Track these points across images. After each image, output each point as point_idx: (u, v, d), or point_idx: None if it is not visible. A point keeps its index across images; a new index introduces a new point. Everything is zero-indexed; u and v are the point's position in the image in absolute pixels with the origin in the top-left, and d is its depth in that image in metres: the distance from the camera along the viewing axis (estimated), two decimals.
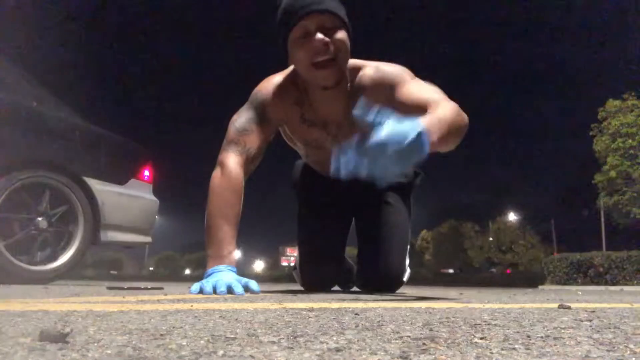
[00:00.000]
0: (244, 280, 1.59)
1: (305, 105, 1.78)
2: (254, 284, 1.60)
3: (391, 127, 1.08)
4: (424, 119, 1.19)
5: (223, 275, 1.55)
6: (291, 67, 1.79)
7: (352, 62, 1.72)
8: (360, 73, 1.71)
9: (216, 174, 1.72)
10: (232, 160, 1.71)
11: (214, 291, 1.48)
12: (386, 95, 1.63)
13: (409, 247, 2.21)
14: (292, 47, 1.60)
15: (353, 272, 2.38)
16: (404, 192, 2.20)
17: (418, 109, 1.41)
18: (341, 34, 1.57)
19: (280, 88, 1.77)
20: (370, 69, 1.71)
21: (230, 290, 1.48)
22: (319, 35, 1.53)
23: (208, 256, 1.63)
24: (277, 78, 1.81)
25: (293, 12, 1.55)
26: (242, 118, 1.78)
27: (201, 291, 1.51)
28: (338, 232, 2.22)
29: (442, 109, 1.35)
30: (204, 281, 1.55)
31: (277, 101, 1.76)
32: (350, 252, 2.33)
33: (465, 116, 1.42)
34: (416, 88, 1.59)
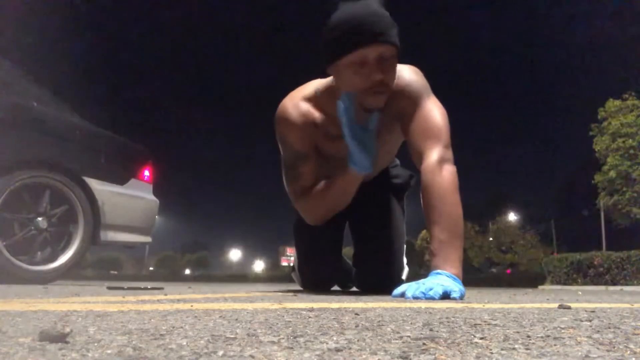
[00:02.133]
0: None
1: (327, 123, 1.72)
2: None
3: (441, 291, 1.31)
4: (454, 265, 1.47)
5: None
6: (311, 84, 1.75)
7: None
8: None
9: (298, 199, 1.85)
10: (300, 191, 1.82)
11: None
12: (403, 107, 1.66)
13: (405, 246, 2.22)
14: (345, 69, 1.52)
15: (351, 272, 2.38)
16: (398, 192, 2.22)
17: (415, 150, 1.63)
18: (394, 65, 1.54)
19: (294, 116, 1.72)
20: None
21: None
22: (378, 75, 1.48)
23: (338, 184, 1.74)
24: (287, 105, 1.75)
25: (352, 34, 1.46)
26: (286, 167, 1.82)
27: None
28: (334, 233, 2.22)
29: (448, 212, 1.53)
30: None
31: (296, 131, 1.73)
32: (346, 252, 2.33)
33: (449, 175, 1.56)
34: (429, 118, 1.64)
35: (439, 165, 1.55)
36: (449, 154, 1.60)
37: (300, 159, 1.77)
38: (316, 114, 1.72)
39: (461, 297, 1.34)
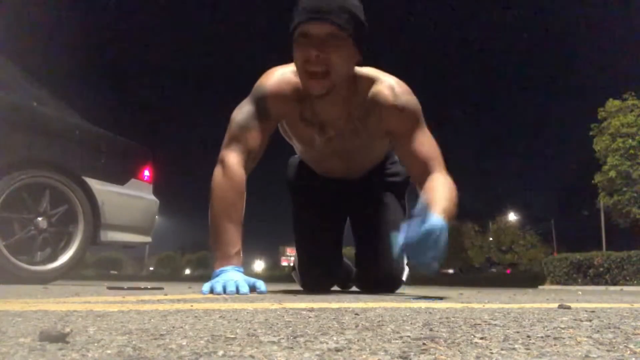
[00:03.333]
0: (252, 280, 1.60)
1: (306, 103, 1.75)
2: (261, 284, 1.61)
3: (424, 230, 1.30)
4: (443, 210, 1.42)
5: (231, 275, 1.55)
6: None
7: (366, 70, 1.72)
8: (375, 88, 1.68)
9: (217, 172, 1.70)
10: (233, 159, 1.69)
11: (224, 291, 1.49)
12: (400, 126, 1.70)
13: None
14: (294, 44, 1.58)
15: (351, 272, 2.38)
16: (398, 191, 2.21)
17: (419, 163, 1.68)
18: (341, 50, 1.54)
19: (283, 82, 1.72)
20: (385, 87, 1.68)
21: (238, 289, 1.49)
22: (314, 51, 1.51)
23: (215, 257, 1.63)
24: (280, 71, 1.76)
25: (303, 10, 1.53)
26: (243, 113, 1.74)
27: (212, 291, 1.51)
28: (335, 233, 2.22)
29: (448, 188, 1.58)
30: (213, 281, 1.56)
31: (278, 95, 1.72)
32: (347, 252, 2.32)
33: (455, 189, 1.63)
34: (425, 141, 1.70)
35: (445, 177, 1.65)
36: (445, 171, 1.70)
37: (263, 116, 1.72)
38: (299, 89, 1.71)
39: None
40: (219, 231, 1.63)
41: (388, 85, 1.69)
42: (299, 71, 1.60)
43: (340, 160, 1.95)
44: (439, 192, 1.55)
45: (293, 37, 1.58)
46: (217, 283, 1.52)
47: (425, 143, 1.70)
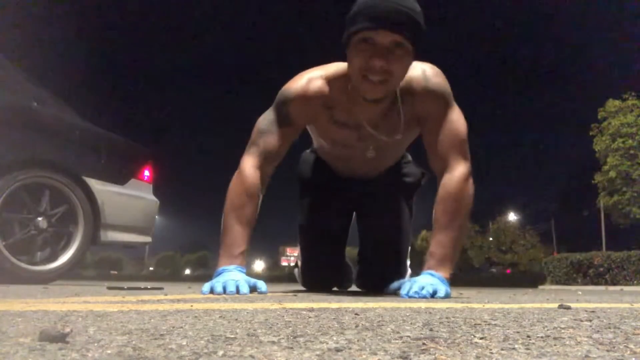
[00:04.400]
0: (253, 280, 1.60)
1: (336, 108, 1.70)
2: (262, 285, 1.61)
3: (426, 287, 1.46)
4: (445, 269, 1.56)
5: (232, 275, 1.55)
6: (333, 65, 1.72)
7: None
8: (409, 75, 1.62)
9: (234, 177, 1.72)
10: (249, 163, 1.71)
11: (224, 291, 1.49)
12: (428, 110, 1.67)
13: (409, 248, 2.21)
14: (353, 48, 1.52)
15: (351, 272, 2.38)
16: (408, 192, 2.18)
17: (438, 157, 1.68)
18: (403, 60, 1.50)
19: (309, 88, 1.68)
20: (418, 72, 1.65)
21: (238, 290, 1.49)
22: (379, 62, 1.46)
23: (219, 255, 1.64)
24: (308, 75, 1.71)
25: (368, 14, 1.44)
26: (265, 120, 1.73)
27: (212, 291, 1.51)
28: (339, 235, 2.22)
29: (463, 218, 1.63)
30: (214, 281, 1.56)
31: (302, 102, 1.68)
32: (350, 252, 2.32)
33: (471, 190, 1.66)
34: (452, 128, 1.67)
35: (465, 181, 1.65)
36: (470, 167, 1.68)
37: (285, 122, 1.70)
38: (328, 95, 1.68)
39: (446, 296, 1.48)
40: (226, 232, 1.64)
41: (420, 69, 1.66)
42: (355, 75, 1.54)
43: (369, 159, 1.88)
44: (447, 231, 1.60)
45: (351, 40, 1.51)
46: (218, 283, 1.52)
47: (453, 131, 1.67)
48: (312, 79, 1.69)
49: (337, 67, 1.70)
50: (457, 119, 1.69)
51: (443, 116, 1.67)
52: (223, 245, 1.63)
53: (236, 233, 1.63)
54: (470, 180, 1.66)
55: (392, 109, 1.69)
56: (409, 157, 2.19)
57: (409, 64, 1.55)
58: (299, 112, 1.70)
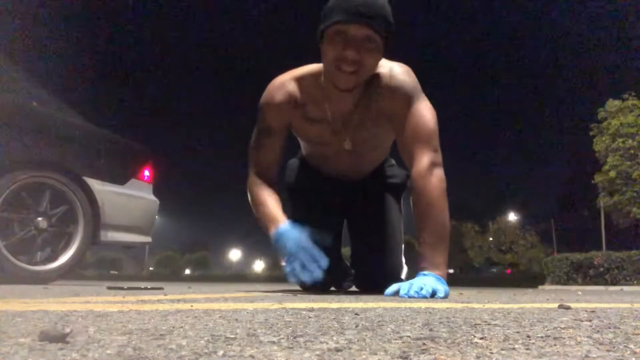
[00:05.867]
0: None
1: (308, 105, 1.78)
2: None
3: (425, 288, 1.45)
4: (440, 267, 1.56)
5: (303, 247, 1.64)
6: (304, 67, 1.81)
7: None
8: (378, 71, 1.71)
9: (250, 179, 1.86)
10: (253, 179, 1.85)
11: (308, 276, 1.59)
12: (394, 107, 1.71)
13: (403, 245, 2.22)
14: (326, 42, 1.59)
15: (348, 272, 2.38)
16: (395, 192, 2.23)
17: (406, 153, 1.71)
18: (374, 53, 1.58)
19: (276, 94, 1.78)
20: (386, 70, 1.72)
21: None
22: (351, 53, 1.54)
23: (266, 227, 1.75)
24: (275, 82, 1.81)
25: (340, 9, 1.54)
26: (253, 135, 1.86)
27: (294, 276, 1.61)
28: (334, 234, 2.22)
29: (438, 211, 1.61)
30: (290, 258, 1.65)
31: (273, 109, 1.79)
32: (344, 252, 2.32)
33: (437, 180, 1.64)
34: (420, 121, 1.69)
35: (429, 171, 1.64)
36: (438, 157, 1.68)
37: (266, 133, 1.83)
38: (299, 95, 1.78)
39: (445, 296, 1.48)
40: (262, 206, 1.77)
41: (388, 67, 1.73)
42: (328, 66, 1.63)
43: (348, 156, 1.96)
44: (428, 230, 1.61)
45: (325, 33, 1.59)
46: (296, 262, 1.60)
47: (418, 125, 1.69)
48: (278, 85, 1.80)
49: (308, 67, 1.81)
50: (423, 113, 1.70)
51: (407, 112, 1.70)
52: (263, 216, 1.77)
53: (272, 204, 1.78)
54: (437, 170, 1.65)
55: (360, 103, 1.76)
56: (393, 161, 2.26)
57: (379, 57, 1.63)
58: (273, 119, 1.81)
